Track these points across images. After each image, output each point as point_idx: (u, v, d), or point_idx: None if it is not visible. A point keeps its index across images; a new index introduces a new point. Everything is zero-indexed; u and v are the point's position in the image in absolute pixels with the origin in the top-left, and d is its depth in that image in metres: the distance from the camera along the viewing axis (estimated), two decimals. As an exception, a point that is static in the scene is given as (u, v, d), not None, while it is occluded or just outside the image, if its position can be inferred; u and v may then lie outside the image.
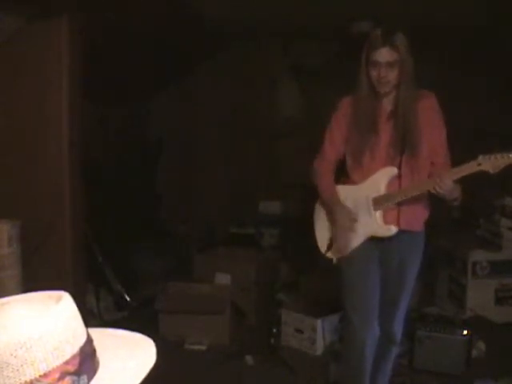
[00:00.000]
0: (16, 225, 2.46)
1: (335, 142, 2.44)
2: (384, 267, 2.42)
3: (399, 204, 2.29)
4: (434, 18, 3.91)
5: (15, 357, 0.71)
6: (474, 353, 3.16)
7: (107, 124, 4.49)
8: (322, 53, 4.78)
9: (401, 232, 2.31)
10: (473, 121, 4.59)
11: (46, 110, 2.87)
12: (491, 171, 2.08)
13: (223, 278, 3.89)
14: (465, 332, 3.02)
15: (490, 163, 2.07)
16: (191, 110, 5.29)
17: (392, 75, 2.20)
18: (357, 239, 2.37)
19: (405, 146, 2.27)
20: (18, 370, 0.71)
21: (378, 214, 2.33)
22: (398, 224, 2.31)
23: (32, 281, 2.39)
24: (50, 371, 0.73)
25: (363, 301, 2.40)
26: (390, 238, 2.33)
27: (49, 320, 0.76)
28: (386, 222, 2.32)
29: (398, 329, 2.50)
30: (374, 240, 2.36)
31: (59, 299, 0.81)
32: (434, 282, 4.25)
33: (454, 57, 4.59)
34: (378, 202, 2.32)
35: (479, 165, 2.08)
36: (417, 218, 2.38)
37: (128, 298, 3.93)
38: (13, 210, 2.60)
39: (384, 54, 2.16)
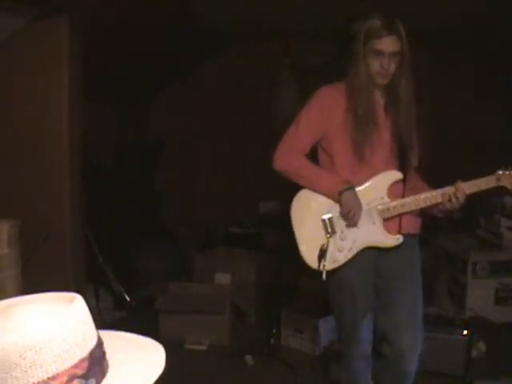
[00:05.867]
0: (16, 225, 2.45)
1: (313, 132, 2.22)
2: (381, 274, 2.24)
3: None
4: (434, 18, 3.91)
5: (24, 358, 0.71)
6: (474, 353, 3.16)
7: (107, 124, 4.49)
8: (322, 53, 4.78)
9: (406, 236, 2.19)
10: (472, 119, 4.60)
11: (46, 110, 2.87)
12: (510, 188, 2.00)
13: (223, 278, 3.89)
14: (465, 332, 3.01)
15: (509, 179, 1.99)
16: (191, 110, 5.29)
17: (394, 66, 2.07)
18: (353, 249, 2.17)
19: (406, 144, 2.14)
20: (26, 371, 0.71)
21: (382, 221, 2.16)
22: (399, 230, 2.17)
23: (32, 281, 2.38)
24: (58, 374, 0.73)
25: (357, 323, 2.21)
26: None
27: (59, 323, 0.76)
28: (389, 229, 2.17)
29: (410, 341, 2.17)
30: (371, 248, 2.19)
31: (71, 301, 0.81)
32: (434, 282, 4.25)
33: (454, 56, 4.59)
34: (383, 211, 2.15)
35: (498, 180, 2.00)
36: (417, 221, 2.27)
37: (128, 298, 3.93)
38: (13, 210, 2.60)
39: (389, 44, 2.04)
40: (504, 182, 1.99)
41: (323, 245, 2.11)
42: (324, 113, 2.19)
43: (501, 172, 2.00)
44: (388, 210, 2.15)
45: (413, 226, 2.24)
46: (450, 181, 2.10)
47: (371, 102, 2.14)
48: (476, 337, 3.21)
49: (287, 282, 4.18)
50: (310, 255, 2.19)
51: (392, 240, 2.17)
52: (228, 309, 3.59)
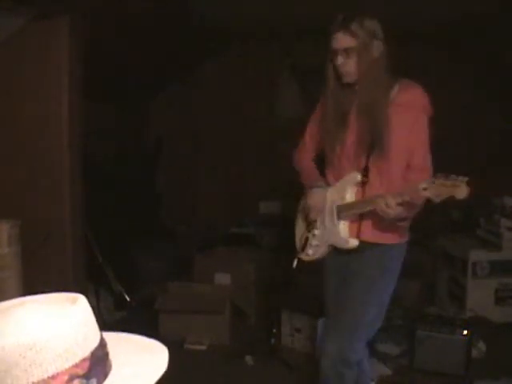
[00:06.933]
0: (16, 225, 2.45)
1: (313, 134, 2.31)
2: (345, 279, 2.20)
3: (361, 214, 2.08)
4: (434, 18, 3.91)
5: (24, 357, 0.71)
6: (474, 353, 3.16)
7: (107, 124, 4.49)
8: (322, 53, 4.78)
9: (368, 244, 2.10)
10: (472, 119, 4.60)
11: (46, 110, 2.87)
12: (435, 200, 1.73)
13: (223, 278, 3.89)
14: (465, 332, 3.02)
15: (433, 190, 1.71)
16: (191, 110, 5.29)
17: (351, 63, 2.00)
18: (323, 247, 2.25)
19: (373, 146, 2.03)
20: (26, 370, 0.71)
21: (342, 223, 2.13)
22: (358, 236, 2.10)
23: (32, 281, 2.38)
24: (58, 373, 0.73)
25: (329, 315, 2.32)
26: (356, 250, 2.11)
27: (61, 322, 0.76)
28: (351, 232, 2.12)
29: (326, 364, 2.20)
30: (342, 249, 2.18)
31: (74, 301, 0.81)
32: (434, 282, 4.25)
33: (454, 56, 4.59)
34: (341, 211, 2.13)
35: (424, 190, 1.73)
36: (387, 229, 2.08)
37: (128, 298, 3.93)
38: (13, 210, 2.60)
39: (339, 40, 1.98)
40: (430, 193, 1.73)
41: (303, 236, 2.34)
42: (318, 117, 2.29)
43: (427, 181, 1.74)
44: (343, 209, 2.13)
45: (372, 234, 2.10)
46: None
47: (339, 102, 2.11)
48: (476, 337, 3.21)
49: (287, 282, 4.18)
50: (298, 246, 2.41)
51: (343, 242, 2.14)
52: (228, 309, 3.59)
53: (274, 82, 5.10)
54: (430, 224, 4.46)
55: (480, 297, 3.81)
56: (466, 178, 1.64)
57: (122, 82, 4.23)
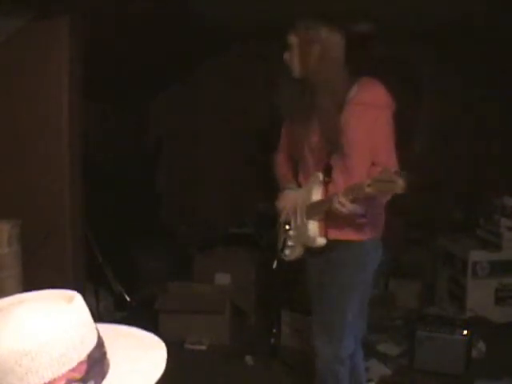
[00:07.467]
0: (16, 225, 2.45)
1: (285, 134, 2.39)
2: (325, 279, 2.24)
3: (327, 213, 2.08)
4: (433, 18, 3.91)
5: (20, 365, 0.70)
6: (474, 353, 3.16)
7: (107, 124, 4.49)
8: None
9: (338, 242, 2.13)
10: (472, 119, 4.60)
11: (46, 110, 2.87)
12: (379, 196, 1.81)
13: (223, 278, 3.89)
14: (465, 332, 3.02)
15: (376, 186, 1.74)
16: (191, 110, 5.29)
17: (293, 60, 2.24)
18: (298, 247, 2.28)
19: (331, 147, 2.09)
20: (22, 378, 0.70)
21: (311, 223, 2.16)
22: (326, 234, 2.13)
23: (32, 281, 2.38)
24: (55, 379, 0.72)
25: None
26: (328, 249, 2.14)
27: (57, 325, 0.74)
28: (319, 232, 2.14)
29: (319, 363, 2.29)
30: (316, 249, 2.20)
31: (70, 300, 0.80)
32: (434, 282, 4.25)
33: (453, 56, 4.59)
34: (308, 211, 2.17)
35: (369, 186, 1.77)
36: (353, 226, 2.09)
37: (128, 298, 3.93)
38: (13, 210, 2.60)
39: (289, 38, 2.27)
40: (374, 189, 1.76)
41: (281, 237, 2.34)
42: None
43: (370, 181, 1.77)
44: (310, 209, 2.16)
45: (339, 231, 2.12)
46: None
47: (303, 102, 2.22)
48: (476, 337, 3.21)
49: (287, 282, 4.18)
50: (279, 247, 2.40)
51: (312, 241, 2.16)
52: (228, 309, 3.59)
53: (273, 82, 5.09)
54: (430, 224, 4.45)
55: (480, 297, 3.81)
56: (402, 172, 1.69)
57: (122, 82, 4.23)
